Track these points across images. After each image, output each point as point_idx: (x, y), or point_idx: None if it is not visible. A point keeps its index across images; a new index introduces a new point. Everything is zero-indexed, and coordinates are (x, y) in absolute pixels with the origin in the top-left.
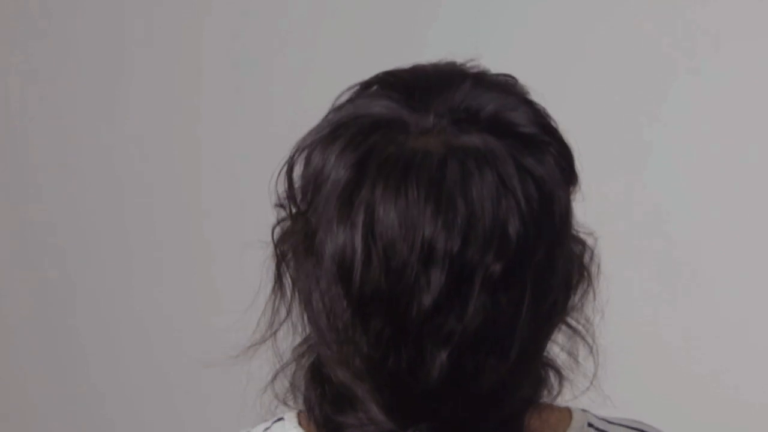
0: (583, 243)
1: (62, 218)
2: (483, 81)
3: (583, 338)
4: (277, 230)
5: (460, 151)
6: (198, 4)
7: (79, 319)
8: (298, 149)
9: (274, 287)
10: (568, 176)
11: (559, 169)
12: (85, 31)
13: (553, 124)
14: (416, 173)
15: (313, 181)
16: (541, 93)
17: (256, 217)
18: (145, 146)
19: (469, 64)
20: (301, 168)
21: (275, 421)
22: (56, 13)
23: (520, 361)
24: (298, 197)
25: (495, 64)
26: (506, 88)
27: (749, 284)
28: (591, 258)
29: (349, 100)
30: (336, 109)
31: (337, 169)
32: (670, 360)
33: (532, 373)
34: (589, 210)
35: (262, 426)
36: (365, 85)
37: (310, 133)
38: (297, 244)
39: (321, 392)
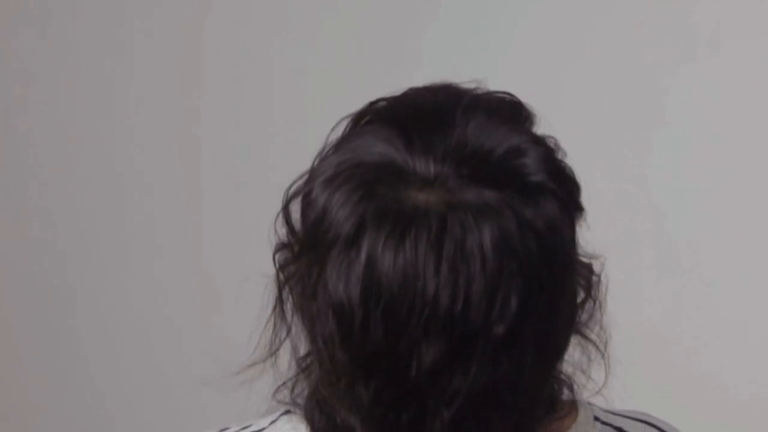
0: (588, 267)
1: (62, 218)
2: (491, 116)
3: (596, 346)
4: (279, 257)
5: (461, 209)
6: (198, 4)
7: (79, 319)
8: (297, 193)
9: (275, 308)
10: (574, 212)
11: (564, 211)
12: (85, 31)
13: (561, 159)
14: (416, 232)
15: (315, 229)
16: (541, 93)
17: (256, 217)
18: (145, 146)
19: (468, 85)
20: (300, 206)
21: (282, 414)
22: (56, 13)
23: (523, 409)
24: (300, 235)
25: (495, 65)
26: (513, 120)
27: (749, 284)
28: (598, 283)
29: (346, 139)
30: (335, 149)
31: (338, 222)
32: (670, 359)
33: (538, 409)
34: (588, 211)
35: (268, 419)
36: (359, 117)
37: (309, 175)
38: (299, 280)
39: (326, 423)
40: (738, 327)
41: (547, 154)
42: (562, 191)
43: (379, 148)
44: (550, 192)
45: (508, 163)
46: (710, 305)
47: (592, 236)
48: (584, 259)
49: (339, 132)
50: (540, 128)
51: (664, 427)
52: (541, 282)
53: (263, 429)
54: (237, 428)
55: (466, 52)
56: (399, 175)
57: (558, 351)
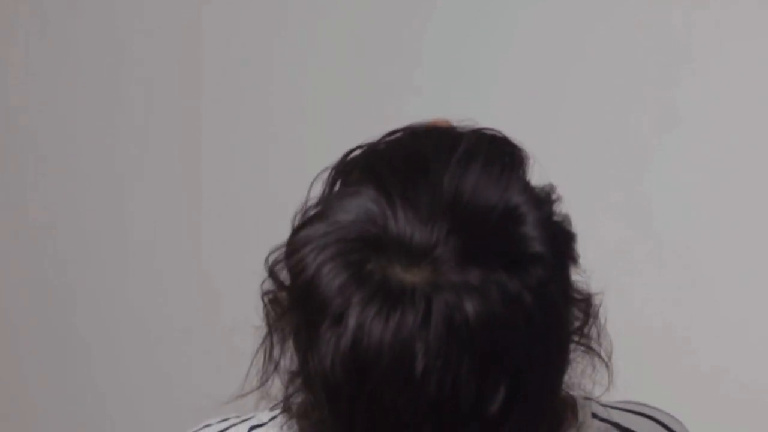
0: (586, 301)
1: (62, 218)
2: (484, 167)
3: (599, 356)
4: (268, 300)
5: (447, 290)
6: (198, 4)
7: (79, 319)
8: (280, 260)
9: (264, 341)
10: (568, 266)
11: (557, 271)
12: (85, 31)
13: (557, 212)
14: (402, 313)
15: (305, 295)
16: (541, 93)
17: (256, 217)
18: (145, 146)
19: (456, 126)
20: (287, 264)
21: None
22: (56, 13)
23: None
24: (289, 290)
25: (495, 65)
26: (508, 169)
27: (749, 285)
28: (596, 318)
29: (327, 204)
30: (317, 215)
31: (326, 298)
32: (669, 360)
33: None
34: (588, 211)
35: (269, 414)
36: (338, 172)
37: (294, 239)
38: (290, 333)
39: None
40: (738, 327)
41: (545, 217)
42: (557, 253)
43: (361, 220)
44: (544, 260)
45: (502, 232)
46: (710, 306)
47: (593, 236)
48: (581, 295)
49: (321, 175)
50: (532, 165)
51: (663, 419)
52: (533, 356)
53: (263, 424)
54: (237, 420)
55: (466, 52)
56: (385, 250)
57: (554, 399)
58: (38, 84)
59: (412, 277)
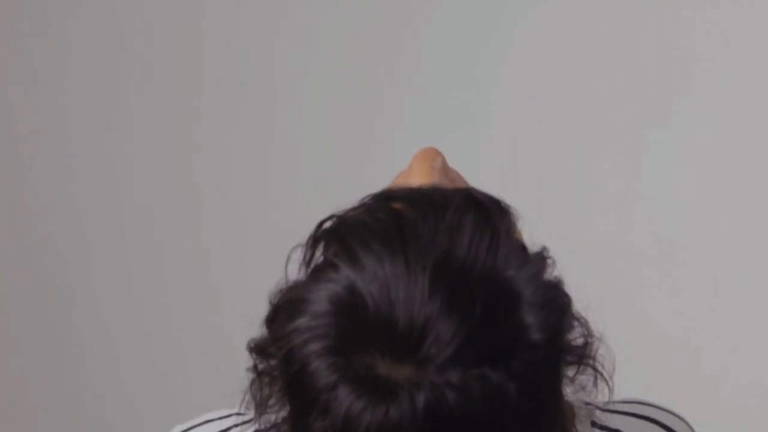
0: (583, 347)
1: (62, 218)
2: (473, 241)
3: (600, 374)
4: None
5: (430, 388)
6: (198, 4)
7: (79, 319)
8: (266, 344)
9: (253, 380)
10: (563, 337)
11: (549, 355)
12: (85, 31)
13: (551, 281)
14: (387, 407)
15: (295, 383)
16: (541, 93)
17: (256, 217)
18: (145, 146)
19: (440, 193)
20: (273, 336)
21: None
22: (56, 13)
23: None
24: (278, 368)
25: (495, 65)
26: (494, 242)
27: (751, 285)
28: (595, 344)
29: (307, 289)
30: (299, 298)
31: (315, 389)
32: (670, 362)
33: None
34: (589, 212)
35: (273, 418)
36: (318, 240)
37: (278, 332)
38: (278, 401)
39: None
40: (739, 327)
41: (540, 296)
42: (552, 334)
43: (341, 313)
44: (538, 348)
45: (495, 322)
46: (711, 305)
47: (593, 236)
48: (579, 323)
49: (295, 250)
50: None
51: (666, 421)
52: None
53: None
54: (239, 420)
55: (466, 52)
56: (368, 347)
57: None
58: (38, 84)
59: (396, 374)
